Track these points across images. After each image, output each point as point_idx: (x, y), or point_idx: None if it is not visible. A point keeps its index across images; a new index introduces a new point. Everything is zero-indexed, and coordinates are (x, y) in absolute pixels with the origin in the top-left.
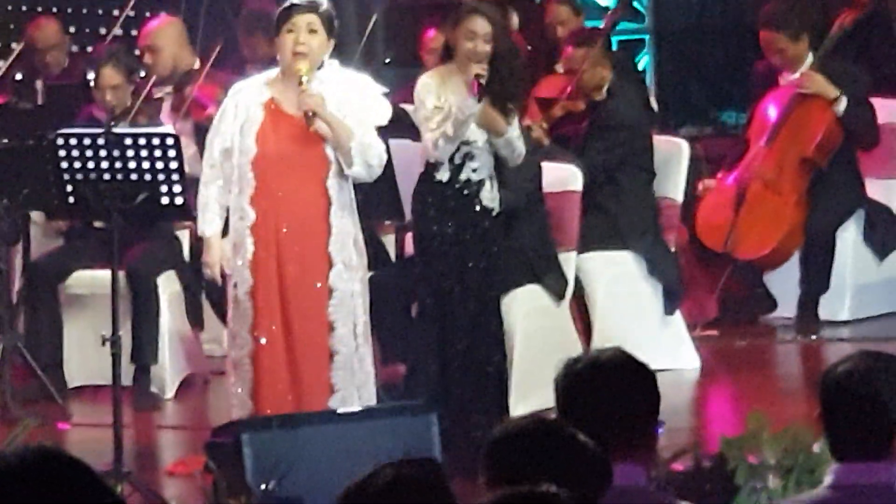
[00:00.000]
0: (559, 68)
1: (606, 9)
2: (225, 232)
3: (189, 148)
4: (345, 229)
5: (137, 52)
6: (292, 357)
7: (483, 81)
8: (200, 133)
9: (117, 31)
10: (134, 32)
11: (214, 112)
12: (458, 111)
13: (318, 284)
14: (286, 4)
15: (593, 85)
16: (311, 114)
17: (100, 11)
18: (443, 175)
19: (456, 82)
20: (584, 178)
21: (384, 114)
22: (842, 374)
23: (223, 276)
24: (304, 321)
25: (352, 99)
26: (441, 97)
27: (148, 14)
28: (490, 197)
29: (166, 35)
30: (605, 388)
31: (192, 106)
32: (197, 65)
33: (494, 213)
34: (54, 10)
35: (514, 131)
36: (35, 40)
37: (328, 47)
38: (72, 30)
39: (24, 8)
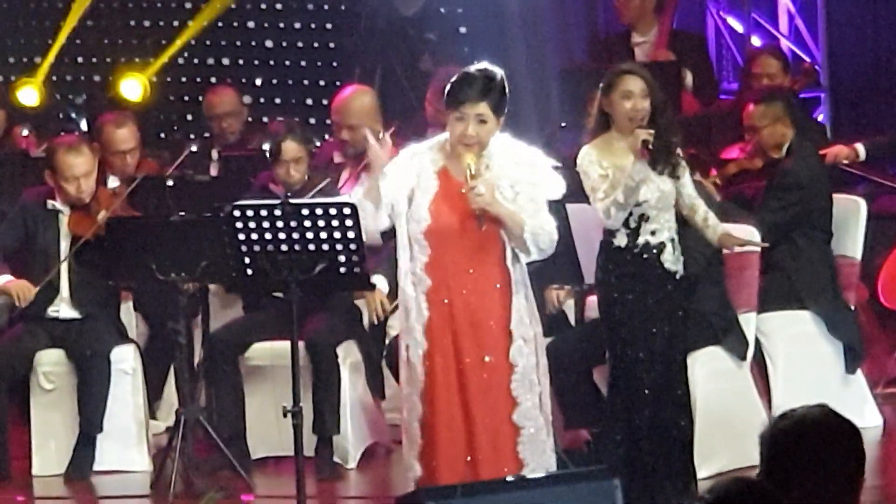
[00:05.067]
0: None
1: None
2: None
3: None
4: (522, 305)
5: (330, 123)
6: (471, 430)
7: (651, 147)
8: None
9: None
10: (309, 101)
11: None
12: (628, 178)
13: (497, 360)
14: (456, 87)
15: (773, 143)
16: (480, 212)
17: (274, 81)
18: (620, 241)
19: (618, 148)
20: (760, 237)
21: (558, 189)
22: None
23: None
24: (485, 396)
25: (524, 177)
26: (604, 165)
27: (323, 83)
28: (672, 259)
29: (363, 111)
30: (811, 446)
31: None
32: (382, 134)
33: (678, 277)
34: (229, 80)
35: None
36: (213, 106)
37: (498, 128)
38: (247, 100)
39: (198, 79)
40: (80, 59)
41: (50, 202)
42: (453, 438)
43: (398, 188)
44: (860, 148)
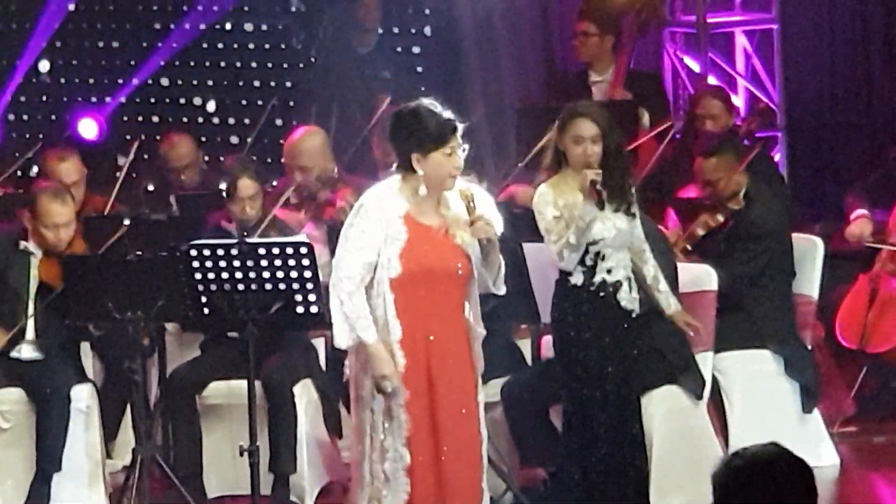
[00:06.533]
0: None
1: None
2: None
3: (322, 256)
4: (476, 342)
5: (283, 162)
6: (441, 468)
7: (599, 187)
8: (333, 235)
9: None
10: (266, 140)
11: (343, 207)
12: (578, 219)
13: (469, 400)
14: (432, 127)
15: (730, 193)
16: (486, 241)
17: (231, 121)
18: (577, 279)
19: (572, 188)
20: (724, 284)
21: (500, 226)
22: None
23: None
24: (459, 434)
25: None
26: (559, 205)
27: (279, 122)
28: (629, 298)
29: (314, 151)
30: (762, 484)
31: (324, 206)
32: (335, 171)
33: (634, 315)
34: (185, 120)
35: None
36: (169, 159)
37: None
38: (202, 139)
39: (154, 118)
40: (36, 99)
41: (22, 243)
42: (430, 484)
43: (375, 243)
44: (866, 212)
